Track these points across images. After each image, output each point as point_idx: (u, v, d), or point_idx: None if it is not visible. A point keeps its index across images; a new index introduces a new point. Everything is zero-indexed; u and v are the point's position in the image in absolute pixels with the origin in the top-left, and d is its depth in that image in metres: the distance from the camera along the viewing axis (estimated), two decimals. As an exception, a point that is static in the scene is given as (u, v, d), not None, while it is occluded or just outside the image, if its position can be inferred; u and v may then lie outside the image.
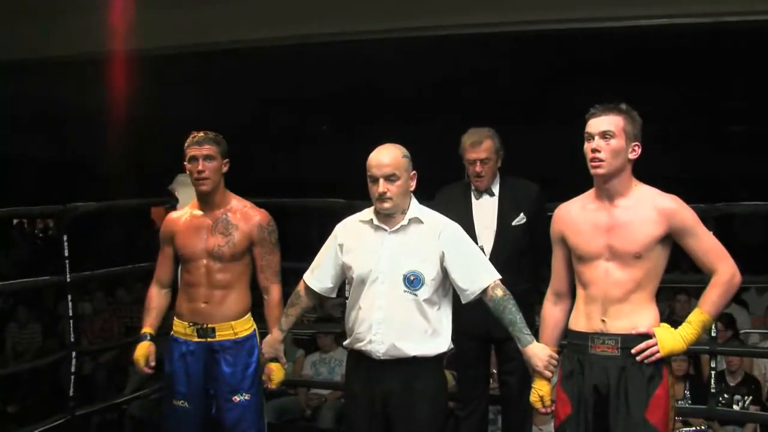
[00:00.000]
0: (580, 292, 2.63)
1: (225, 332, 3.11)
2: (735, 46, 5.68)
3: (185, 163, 3.12)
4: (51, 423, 3.92)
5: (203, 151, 3.06)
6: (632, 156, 2.53)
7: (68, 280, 3.96)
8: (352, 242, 2.82)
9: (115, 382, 6.31)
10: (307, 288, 2.94)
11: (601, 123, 2.52)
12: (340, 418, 4.84)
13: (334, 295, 3.03)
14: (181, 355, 3.14)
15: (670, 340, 2.49)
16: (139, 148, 8.86)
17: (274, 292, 3.19)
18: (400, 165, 2.72)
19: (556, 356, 2.70)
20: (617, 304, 2.51)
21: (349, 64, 6.32)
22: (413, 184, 2.78)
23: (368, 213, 2.83)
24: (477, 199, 3.52)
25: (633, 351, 2.48)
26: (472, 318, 3.18)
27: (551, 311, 2.75)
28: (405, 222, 2.76)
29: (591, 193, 2.63)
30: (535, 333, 2.81)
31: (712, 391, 3.80)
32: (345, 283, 3.03)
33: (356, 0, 5.37)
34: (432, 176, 3.07)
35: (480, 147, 3.43)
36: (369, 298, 2.76)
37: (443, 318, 2.79)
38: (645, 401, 2.46)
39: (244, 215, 3.15)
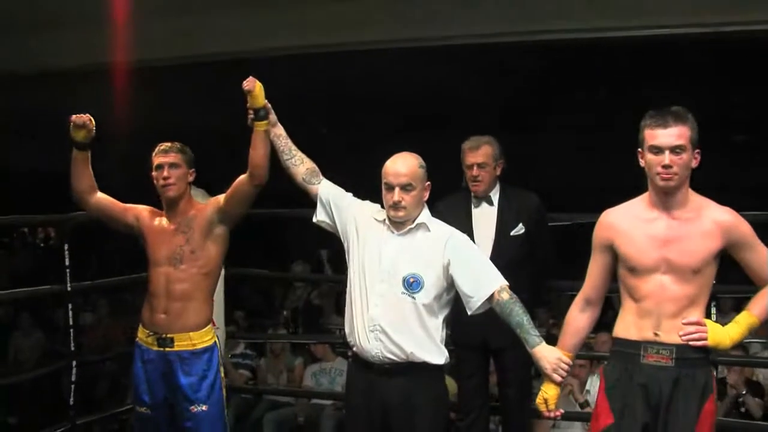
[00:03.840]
0: (629, 303, 2.52)
1: (183, 342, 3.12)
2: (736, 56, 5.69)
3: (152, 172, 3.15)
4: (51, 432, 3.91)
5: (168, 159, 3.13)
6: (694, 164, 2.44)
7: (69, 289, 3.97)
8: (363, 230, 2.82)
9: (117, 391, 6.30)
10: (320, 186, 2.92)
11: (671, 137, 2.38)
12: (340, 427, 4.83)
13: (316, 201, 2.94)
14: (142, 361, 3.17)
15: (720, 333, 2.44)
16: (140, 158, 8.84)
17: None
18: (416, 175, 2.73)
19: (567, 360, 2.60)
20: (671, 319, 2.43)
21: (351, 73, 6.33)
22: (426, 195, 2.79)
23: (383, 213, 2.82)
24: (476, 207, 3.53)
25: (680, 333, 2.41)
26: (469, 328, 3.18)
27: (576, 317, 2.65)
28: (413, 225, 2.76)
29: (641, 201, 2.52)
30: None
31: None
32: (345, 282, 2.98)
33: (358, 12, 5.39)
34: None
35: (478, 151, 3.48)
36: (367, 295, 2.75)
37: (439, 330, 2.76)
38: (696, 415, 2.40)
39: (200, 209, 3.17)
